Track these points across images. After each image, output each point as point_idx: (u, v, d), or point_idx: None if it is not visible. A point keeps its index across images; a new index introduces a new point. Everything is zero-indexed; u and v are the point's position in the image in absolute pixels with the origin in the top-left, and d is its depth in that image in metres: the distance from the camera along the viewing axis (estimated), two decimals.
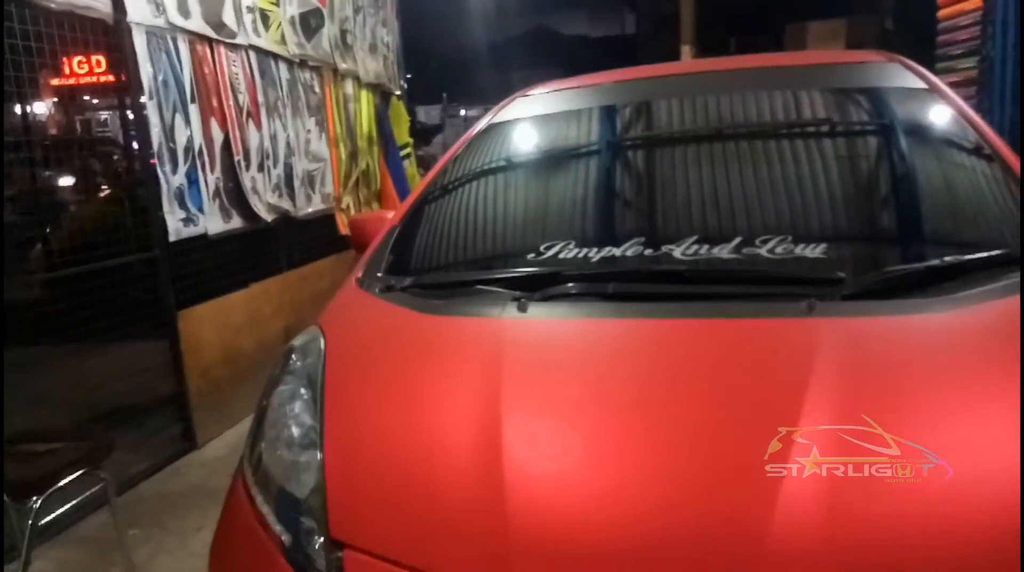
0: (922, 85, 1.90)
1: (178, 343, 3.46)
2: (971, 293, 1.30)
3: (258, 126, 4.11)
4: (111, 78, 6.48)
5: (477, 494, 1.10)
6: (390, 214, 2.13)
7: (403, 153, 6.15)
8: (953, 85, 2.36)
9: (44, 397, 3.81)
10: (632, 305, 1.44)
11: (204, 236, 3.60)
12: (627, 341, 1.36)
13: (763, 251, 1.48)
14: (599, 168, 1.98)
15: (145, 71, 3.21)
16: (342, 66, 5.21)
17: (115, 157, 6.82)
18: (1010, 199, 1.56)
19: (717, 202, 1.68)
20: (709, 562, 0.97)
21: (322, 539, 1.15)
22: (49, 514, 2.32)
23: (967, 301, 1.28)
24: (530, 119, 2.21)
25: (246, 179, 3.94)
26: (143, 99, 3.21)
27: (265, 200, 4.15)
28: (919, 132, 1.85)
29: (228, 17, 3.79)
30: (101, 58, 6.77)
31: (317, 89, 4.91)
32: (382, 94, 6.11)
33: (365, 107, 5.69)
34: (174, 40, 3.40)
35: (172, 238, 3.36)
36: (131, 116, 3.49)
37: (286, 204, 4.41)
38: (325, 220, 5.02)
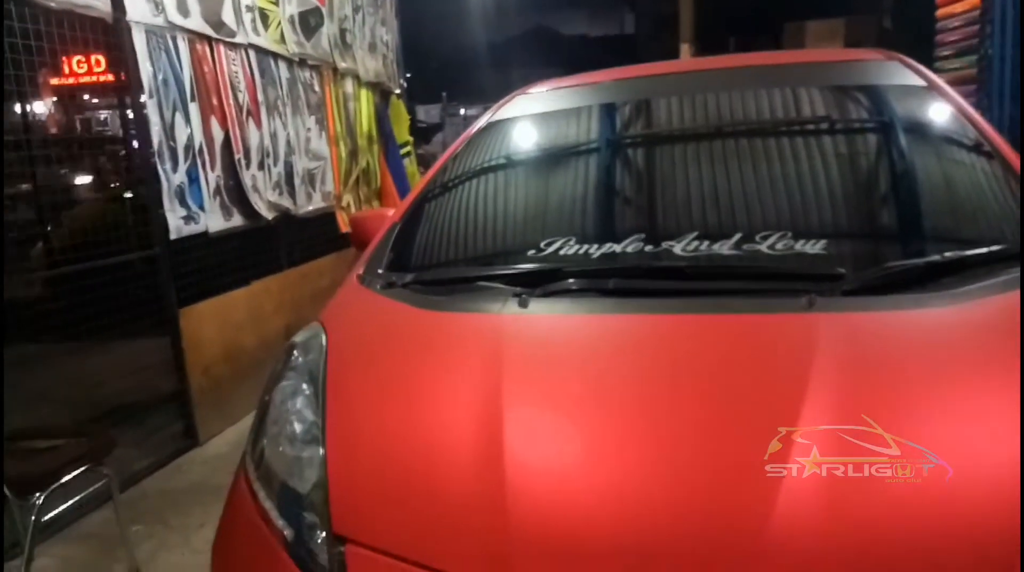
0: (921, 82, 1.90)
1: (179, 340, 3.47)
2: (971, 289, 1.30)
3: (258, 124, 4.11)
4: (111, 77, 6.46)
5: (478, 489, 1.10)
6: (390, 212, 2.13)
7: (403, 151, 6.16)
8: (952, 83, 2.36)
9: (45, 395, 3.81)
10: (633, 301, 1.44)
11: (205, 234, 3.61)
12: (628, 337, 1.36)
13: (763, 247, 1.48)
14: (599, 165, 1.98)
15: (145, 70, 3.21)
16: (341, 65, 5.22)
17: (115, 155, 6.81)
18: (1009, 195, 1.56)
19: (717, 198, 1.68)
20: (709, 561, 0.97)
21: (324, 534, 1.15)
22: (52, 510, 2.31)
23: (967, 297, 1.28)
24: (530, 117, 2.21)
25: (246, 177, 3.95)
26: (143, 98, 3.22)
27: (265, 198, 4.15)
28: (918, 129, 1.85)
29: (227, 16, 3.80)
30: (101, 57, 6.76)
31: (317, 88, 4.91)
32: (382, 93, 6.12)
33: (365, 106, 5.70)
34: (174, 39, 3.40)
35: (173, 236, 3.37)
36: (131, 115, 3.49)
37: (286, 202, 4.42)
38: (325, 218, 5.03)
